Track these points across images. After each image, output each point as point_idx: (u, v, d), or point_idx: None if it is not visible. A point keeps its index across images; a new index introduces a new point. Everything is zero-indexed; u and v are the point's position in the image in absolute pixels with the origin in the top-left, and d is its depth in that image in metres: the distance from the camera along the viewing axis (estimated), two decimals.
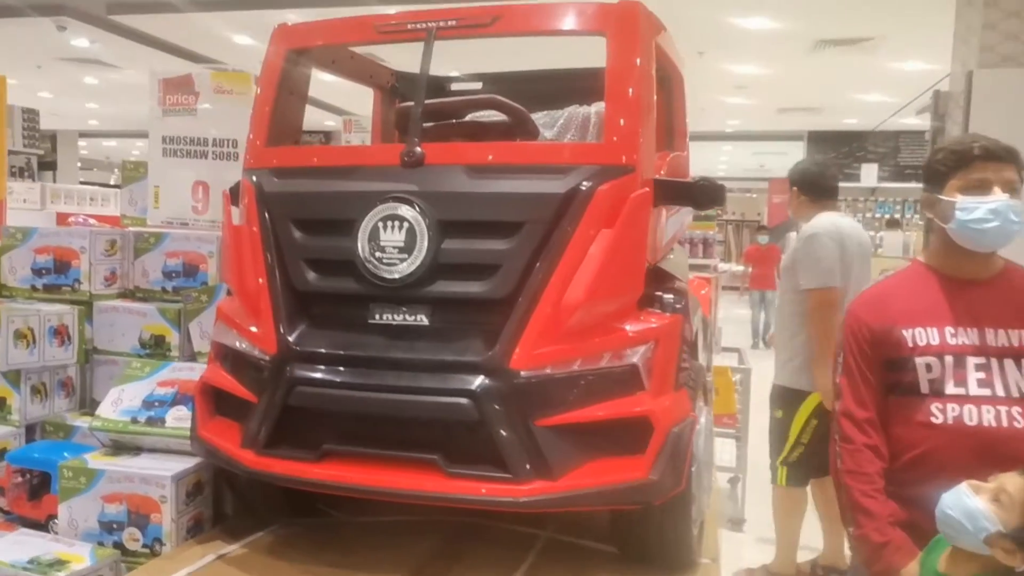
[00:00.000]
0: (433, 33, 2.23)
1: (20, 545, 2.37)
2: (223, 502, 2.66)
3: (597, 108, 2.86)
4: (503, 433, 1.94)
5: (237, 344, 2.28)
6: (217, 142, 3.24)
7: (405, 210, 2.05)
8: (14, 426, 2.86)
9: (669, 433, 2.00)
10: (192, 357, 3.03)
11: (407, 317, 2.07)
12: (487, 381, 1.96)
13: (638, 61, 2.15)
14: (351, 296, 2.13)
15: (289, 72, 2.47)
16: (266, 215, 2.25)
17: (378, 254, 2.06)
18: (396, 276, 2.05)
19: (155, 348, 3.04)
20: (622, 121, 2.10)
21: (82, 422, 2.92)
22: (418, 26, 2.26)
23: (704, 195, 2.21)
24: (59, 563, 2.26)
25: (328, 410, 2.11)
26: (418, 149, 2.14)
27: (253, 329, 2.22)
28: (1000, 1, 4.79)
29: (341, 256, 2.12)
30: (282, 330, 2.15)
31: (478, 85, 3.38)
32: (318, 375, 2.11)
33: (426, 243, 2.03)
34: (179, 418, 2.59)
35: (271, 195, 2.27)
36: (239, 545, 2.41)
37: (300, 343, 2.14)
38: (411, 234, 2.04)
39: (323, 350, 2.13)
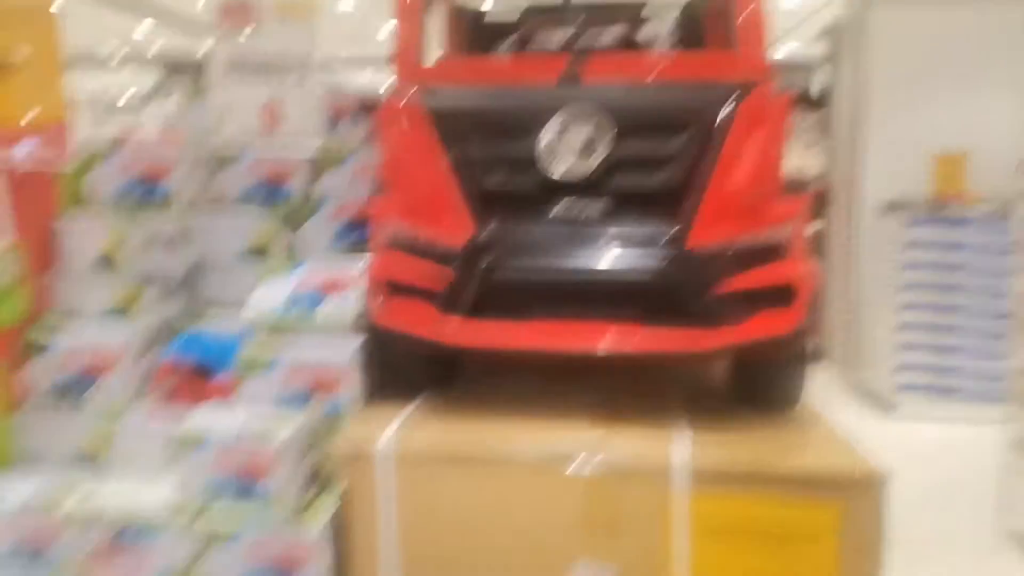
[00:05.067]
0: None
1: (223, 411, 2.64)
2: None
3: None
4: (690, 296, 2.31)
5: (421, 236, 2.50)
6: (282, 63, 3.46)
7: (584, 115, 2.38)
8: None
9: (810, 294, 2.47)
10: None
11: (587, 210, 2.41)
12: (673, 255, 2.32)
13: None
14: (533, 194, 2.42)
15: None
16: (441, 124, 2.48)
17: (558, 152, 2.39)
18: (579, 173, 2.39)
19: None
20: (756, 41, 2.55)
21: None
22: None
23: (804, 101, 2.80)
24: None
25: (532, 282, 2.38)
26: (578, 68, 2.51)
27: (440, 222, 2.46)
28: None
29: (523, 155, 2.40)
30: (475, 220, 2.42)
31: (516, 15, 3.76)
32: (519, 257, 2.38)
33: (605, 145, 2.38)
34: (331, 311, 2.82)
35: (441, 108, 2.50)
36: (415, 406, 2.68)
37: (495, 232, 2.40)
38: (589, 139, 2.39)
39: (519, 238, 2.39)
